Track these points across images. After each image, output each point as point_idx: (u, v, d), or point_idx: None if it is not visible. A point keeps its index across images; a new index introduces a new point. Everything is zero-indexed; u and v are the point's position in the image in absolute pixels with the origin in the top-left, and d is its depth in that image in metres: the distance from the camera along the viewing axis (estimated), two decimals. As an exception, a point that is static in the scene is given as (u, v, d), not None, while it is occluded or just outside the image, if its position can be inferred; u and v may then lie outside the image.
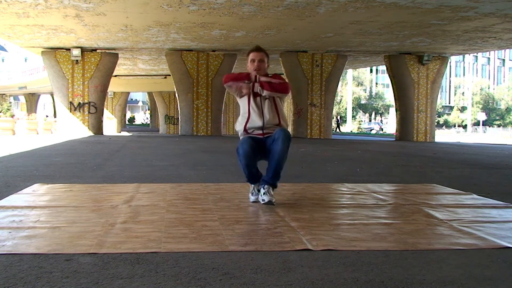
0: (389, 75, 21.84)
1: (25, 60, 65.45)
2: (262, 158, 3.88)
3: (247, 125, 3.89)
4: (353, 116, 64.41)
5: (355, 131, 52.84)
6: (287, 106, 25.52)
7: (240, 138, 3.94)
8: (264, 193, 3.77)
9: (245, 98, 3.90)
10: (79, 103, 19.87)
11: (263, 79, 3.86)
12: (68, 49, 19.36)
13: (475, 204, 4.09)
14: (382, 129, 56.33)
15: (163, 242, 2.68)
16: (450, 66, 73.05)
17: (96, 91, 19.98)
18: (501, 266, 2.38)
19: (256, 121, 3.86)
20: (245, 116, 3.91)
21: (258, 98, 3.87)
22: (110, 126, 35.03)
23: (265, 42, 18.14)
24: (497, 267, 2.36)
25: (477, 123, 64.97)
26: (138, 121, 75.44)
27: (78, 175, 5.75)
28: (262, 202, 3.76)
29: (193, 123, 20.83)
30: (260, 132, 3.87)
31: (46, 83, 31.68)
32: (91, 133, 19.86)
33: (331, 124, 23.57)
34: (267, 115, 3.85)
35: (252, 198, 4.00)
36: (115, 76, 26.20)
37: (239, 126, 3.96)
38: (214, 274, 2.15)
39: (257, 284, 2.03)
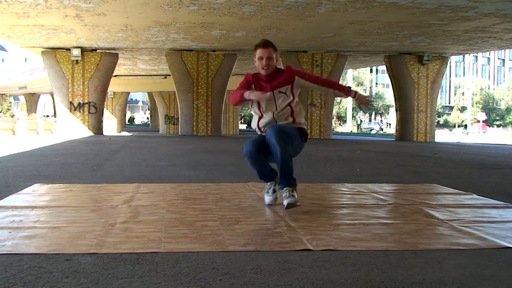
0: (389, 75, 21.83)
1: (25, 60, 65.53)
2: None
3: (260, 123, 3.72)
4: (353, 116, 64.41)
5: (354, 131, 53.02)
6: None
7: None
8: (284, 197, 3.51)
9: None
10: (79, 103, 19.87)
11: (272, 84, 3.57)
12: (68, 49, 19.36)
13: (475, 204, 4.09)
14: (382, 129, 56.49)
15: (163, 242, 2.67)
16: (450, 66, 73.00)
17: (96, 91, 19.98)
18: (501, 266, 2.37)
19: (267, 118, 3.67)
20: (258, 113, 3.73)
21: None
22: (110, 126, 35.02)
23: (265, 42, 18.12)
24: (497, 267, 2.35)
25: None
26: (138, 121, 75.49)
27: (78, 175, 5.75)
28: (285, 208, 3.51)
29: (193, 123, 20.83)
30: None
31: (46, 83, 31.66)
32: (91, 133, 19.85)
33: (331, 124, 23.59)
34: (279, 110, 3.65)
35: (267, 199, 3.80)
36: (115, 76, 26.18)
37: (253, 124, 3.80)
38: (214, 274, 2.14)
39: (257, 284, 2.02)
